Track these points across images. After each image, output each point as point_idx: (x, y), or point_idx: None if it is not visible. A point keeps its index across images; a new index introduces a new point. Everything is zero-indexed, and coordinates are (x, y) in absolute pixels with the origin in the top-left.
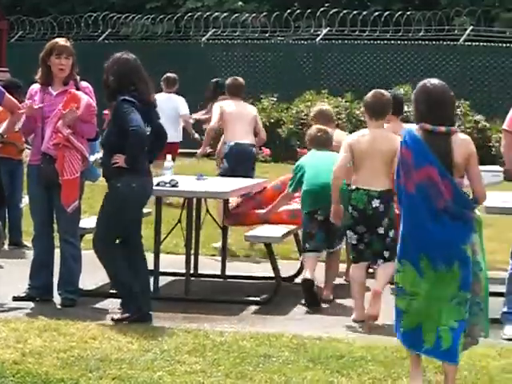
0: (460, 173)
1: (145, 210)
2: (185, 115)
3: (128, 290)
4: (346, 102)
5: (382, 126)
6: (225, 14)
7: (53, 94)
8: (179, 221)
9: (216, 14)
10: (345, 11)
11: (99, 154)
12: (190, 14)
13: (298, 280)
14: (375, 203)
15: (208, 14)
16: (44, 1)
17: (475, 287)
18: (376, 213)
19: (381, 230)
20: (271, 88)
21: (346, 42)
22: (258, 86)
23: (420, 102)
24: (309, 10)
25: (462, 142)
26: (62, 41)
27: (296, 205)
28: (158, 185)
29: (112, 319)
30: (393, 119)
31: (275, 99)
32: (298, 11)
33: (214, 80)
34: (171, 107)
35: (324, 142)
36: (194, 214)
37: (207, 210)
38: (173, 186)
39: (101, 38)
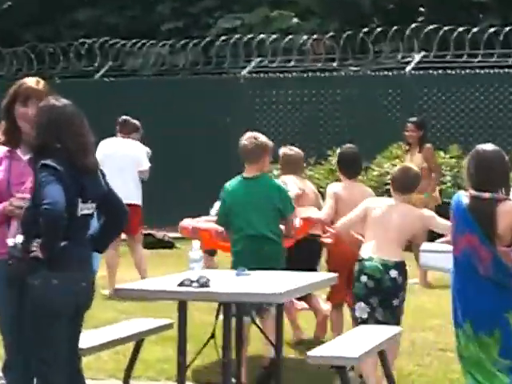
0: (504, 242)
1: (163, 322)
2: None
3: None
4: (450, 157)
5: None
6: (274, 37)
7: (22, 160)
8: (213, 335)
9: (261, 36)
10: (446, 28)
11: (19, 238)
12: (223, 38)
13: None
14: (393, 274)
15: (249, 37)
16: (17, 23)
17: None
18: (394, 284)
19: (396, 303)
20: (341, 139)
21: (448, 71)
22: (322, 136)
23: (470, 167)
24: (394, 28)
25: (508, 211)
26: (30, 81)
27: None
28: (181, 284)
29: None
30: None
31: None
32: (379, 30)
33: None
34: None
35: (252, 155)
36: (233, 325)
37: (252, 320)
38: (202, 285)
39: (98, 75)
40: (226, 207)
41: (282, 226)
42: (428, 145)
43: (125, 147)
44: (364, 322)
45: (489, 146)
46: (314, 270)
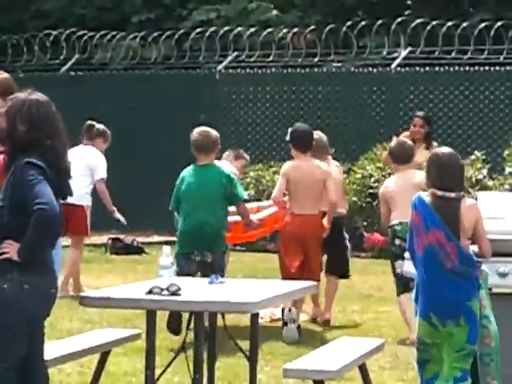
0: (467, 235)
1: (131, 332)
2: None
3: None
4: None
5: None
6: (252, 30)
7: None
8: (183, 347)
9: (238, 29)
10: (434, 23)
11: None
12: (198, 31)
13: None
14: None
15: (226, 29)
16: None
17: (485, 339)
18: None
19: None
20: None
21: (436, 68)
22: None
23: (431, 170)
24: (379, 22)
25: (469, 208)
26: None
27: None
28: (150, 292)
29: None
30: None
31: (329, 157)
32: (363, 24)
33: None
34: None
35: (205, 147)
36: (204, 336)
37: (225, 328)
38: (173, 293)
39: (65, 68)
40: (179, 192)
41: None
42: (436, 143)
43: (81, 156)
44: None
45: (447, 150)
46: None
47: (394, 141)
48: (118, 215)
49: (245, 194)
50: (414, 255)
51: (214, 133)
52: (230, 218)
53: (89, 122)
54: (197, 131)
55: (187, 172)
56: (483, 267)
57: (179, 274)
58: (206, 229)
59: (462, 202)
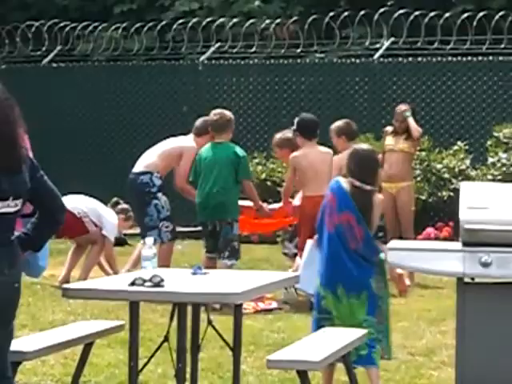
0: (372, 227)
1: (114, 323)
2: None
3: None
4: (420, 150)
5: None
6: (234, 21)
7: None
8: (166, 338)
9: (221, 20)
10: (417, 13)
11: None
12: (180, 22)
13: None
14: None
15: (208, 20)
16: None
17: (379, 318)
18: None
19: None
20: None
21: (419, 59)
22: (286, 127)
23: (351, 162)
24: (362, 13)
25: (379, 203)
26: None
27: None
28: (133, 283)
29: None
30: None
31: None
32: (346, 14)
33: None
34: None
35: (219, 126)
36: (188, 327)
37: (210, 322)
38: (156, 284)
39: (47, 60)
40: (197, 166)
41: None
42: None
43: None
44: None
45: (366, 146)
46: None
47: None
48: None
49: (252, 176)
50: (322, 233)
51: (228, 113)
52: (243, 202)
53: (115, 199)
54: (212, 112)
55: (204, 149)
56: (382, 254)
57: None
58: (214, 199)
59: (374, 196)
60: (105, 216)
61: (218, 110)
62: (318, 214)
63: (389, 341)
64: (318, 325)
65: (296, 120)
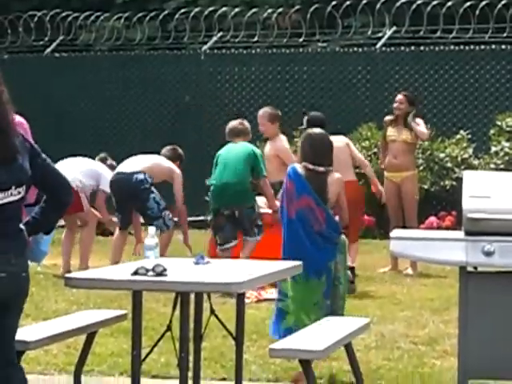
0: (331, 205)
1: (116, 312)
2: None
3: None
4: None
5: None
6: (236, 11)
7: None
8: (169, 327)
9: (223, 9)
10: (419, 1)
11: None
12: (183, 11)
13: None
14: None
15: (211, 10)
16: None
17: (333, 298)
18: None
19: None
20: None
21: (421, 48)
22: (288, 117)
23: (305, 146)
24: (364, 1)
25: (335, 181)
26: None
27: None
28: (136, 273)
29: None
30: None
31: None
32: (348, 3)
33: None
34: None
35: (238, 133)
36: (191, 317)
37: (212, 311)
38: (158, 274)
39: (49, 49)
40: (215, 163)
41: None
42: (419, 119)
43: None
44: None
45: (319, 131)
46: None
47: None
48: None
49: (266, 173)
50: (284, 220)
51: (247, 124)
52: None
53: (102, 154)
54: (233, 122)
55: (224, 148)
56: (342, 236)
57: (212, 225)
58: (232, 189)
59: (329, 175)
60: (101, 173)
61: (239, 120)
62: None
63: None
64: (277, 307)
65: (306, 118)
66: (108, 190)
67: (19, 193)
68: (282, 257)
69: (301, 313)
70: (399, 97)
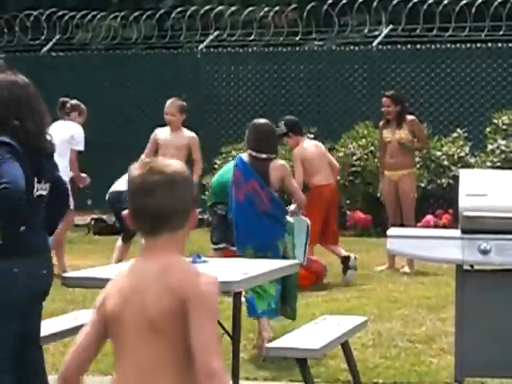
0: (274, 188)
1: None
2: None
3: None
4: None
5: None
6: (232, 9)
7: None
8: None
9: (219, 8)
10: (416, 0)
11: None
12: (179, 10)
13: None
14: None
15: (207, 8)
16: None
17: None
18: None
19: None
20: (306, 119)
21: (418, 46)
22: (284, 115)
23: (249, 135)
24: (361, 0)
25: (277, 167)
26: None
27: None
28: None
29: None
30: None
31: (312, 135)
32: (345, 1)
33: None
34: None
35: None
36: None
37: None
38: None
39: (45, 49)
40: None
41: None
42: (410, 117)
43: (59, 131)
44: None
45: (263, 120)
46: None
47: None
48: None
49: None
50: (233, 205)
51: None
52: None
53: (61, 99)
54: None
55: None
56: (289, 218)
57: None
58: (227, 184)
59: (272, 162)
60: (70, 136)
61: None
62: (329, 202)
63: (293, 302)
64: (246, 296)
65: (282, 123)
66: (79, 148)
67: (46, 188)
68: (235, 240)
69: (258, 288)
70: (384, 99)
